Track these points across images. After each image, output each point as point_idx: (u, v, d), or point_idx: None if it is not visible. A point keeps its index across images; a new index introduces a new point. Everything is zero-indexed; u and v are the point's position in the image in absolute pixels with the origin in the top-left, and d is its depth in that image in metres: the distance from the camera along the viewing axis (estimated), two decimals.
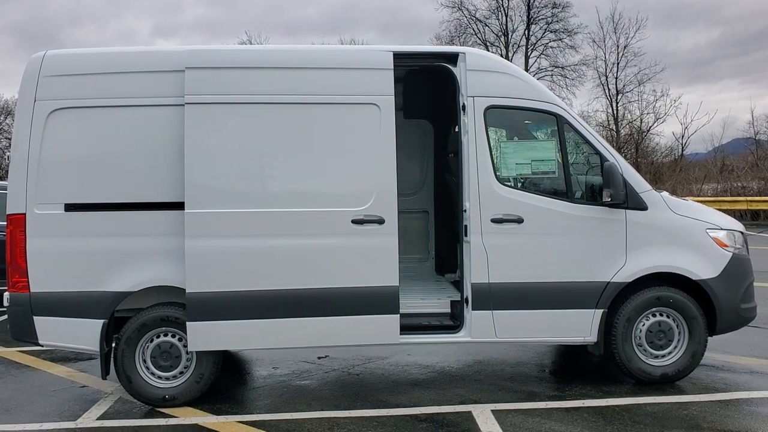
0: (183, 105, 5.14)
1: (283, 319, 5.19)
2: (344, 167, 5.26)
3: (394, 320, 5.30)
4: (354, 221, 5.20)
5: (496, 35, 43.88)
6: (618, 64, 40.80)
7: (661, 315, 5.60)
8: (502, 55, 38.20)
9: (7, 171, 5.36)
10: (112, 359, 5.29)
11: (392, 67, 5.32)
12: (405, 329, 5.52)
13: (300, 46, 5.95)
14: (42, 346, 5.27)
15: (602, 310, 5.46)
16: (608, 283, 5.46)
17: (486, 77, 5.49)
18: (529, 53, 43.46)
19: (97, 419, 5.11)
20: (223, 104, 5.17)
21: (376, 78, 5.31)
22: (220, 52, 5.39)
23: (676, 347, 5.62)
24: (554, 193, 5.53)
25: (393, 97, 5.30)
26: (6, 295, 5.22)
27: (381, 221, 5.23)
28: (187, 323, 5.10)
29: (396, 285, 5.29)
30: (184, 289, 5.09)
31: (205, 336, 5.13)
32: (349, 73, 5.32)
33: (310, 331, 5.24)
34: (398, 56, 5.44)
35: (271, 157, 5.23)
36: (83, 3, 69.38)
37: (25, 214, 5.11)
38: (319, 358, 6.71)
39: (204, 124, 5.13)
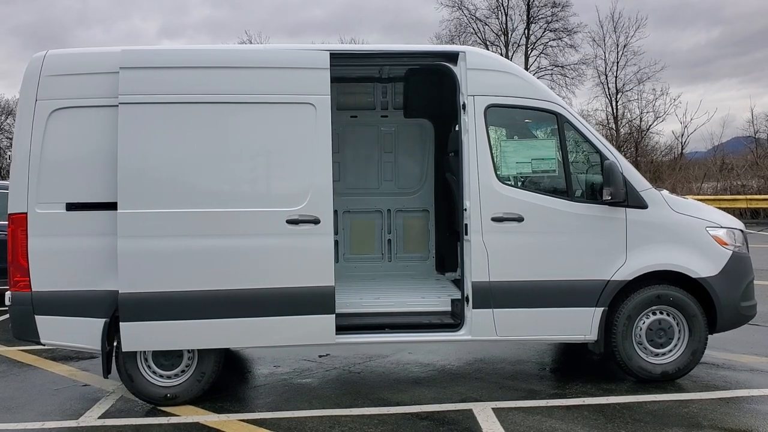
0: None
1: (217, 319, 5.14)
2: (279, 167, 5.24)
3: (329, 320, 5.24)
4: (289, 221, 5.15)
5: (496, 34, 43.97)
6: (618, 63, 40.90)
7: (661, 313, 5.61)
8: (501, 54, 38.14)
9: (8, 170, 5.36)
10: (113, 358, 5.29)
11: (328, 66, 5.27)
12: (406, 328, 5.56)
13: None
14: (44, 345, 5.28)
15: (602, 309, 5.47)
16: (608, 281, 5.47)
17: (486, 76, 5.50)
18: (528, 52, 43.50)
19: (98, 418, 5.13)
20: (156, 104, 5.12)
21: (311, 77, 5.26)
22: (153, 52, 5.35)
23: (676, 345, 5.63)
24: (554, 192, 5.54)
25: (329, 96, 5.26)
26: (8, 294, 5.21)
27: (316, 221, 5.17)
28: (120, 323, 5.05)
29: (332, 285, 5.23)
30: None
31: (138, 336, 5.09)
32: (284, 73, 5.27)
33: (246, 331, 5.19)
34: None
35: (204, 157, 5.16)
36: (90, 4, 69.46)
37: (26, 213, 5.11)
38: (320, 356, 6.72)
39: (137, 124, 5.07)
